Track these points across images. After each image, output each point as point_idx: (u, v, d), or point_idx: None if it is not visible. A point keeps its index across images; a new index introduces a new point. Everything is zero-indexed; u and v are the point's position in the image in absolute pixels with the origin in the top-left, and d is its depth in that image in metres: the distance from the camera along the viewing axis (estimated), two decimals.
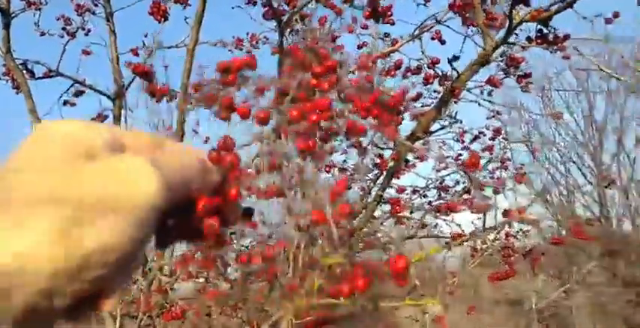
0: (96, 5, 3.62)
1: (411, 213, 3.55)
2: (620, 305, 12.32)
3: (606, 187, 10.31)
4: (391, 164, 2.55)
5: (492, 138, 4.06)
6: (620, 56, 3.62)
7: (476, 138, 4.67)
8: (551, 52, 2.06)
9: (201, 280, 5.23)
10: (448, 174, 5.22)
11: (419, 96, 2.41)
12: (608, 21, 2.30)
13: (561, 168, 16.48)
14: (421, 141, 2.90)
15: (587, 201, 15.66)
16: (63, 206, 0.25)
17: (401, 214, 2.91)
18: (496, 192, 4.34)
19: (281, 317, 3.00)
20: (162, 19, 2.57)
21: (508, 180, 4.31)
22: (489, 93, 3.77)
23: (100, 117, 3.77)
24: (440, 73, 2.34)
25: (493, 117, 4.14)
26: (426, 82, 2.27)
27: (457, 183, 5.20)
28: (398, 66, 2.18)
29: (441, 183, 5.17)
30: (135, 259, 0.29)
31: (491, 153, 5.02)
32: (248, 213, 0.45)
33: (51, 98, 3.52)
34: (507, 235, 3.87)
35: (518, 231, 4.02)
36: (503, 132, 4.17)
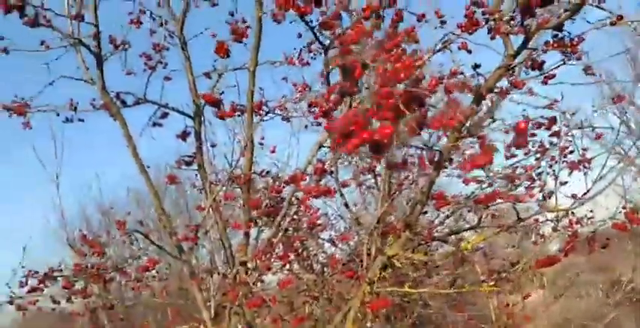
0: (172, 37, 4.16)
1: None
2: None
3: None
4: (436, 159, 2.78)
5: (548, 128, 4.09)
6: None
7: (540, 125, 4.68)
8: (565, 55, 2.18)
9: (286, 272, 5.74)
10: (517, 162, 5.27)
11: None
12: (612, 23, 2.35)
13: None
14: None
15: None
16: None
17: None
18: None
19: (353, 305, 3.35)
20: (225, 56, 2.98)
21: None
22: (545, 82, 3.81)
23: (184, 134, 4.31)
24: (460, 82, 2.52)
25: (551, 106, 4.15)
26: (447, 91, 2.45)
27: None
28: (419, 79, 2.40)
29: (512, 172, 5.22)
30: None
31: (559, 138, 5.00)
32: None
33: (140, 122, 4.08)
34: (571, 222, 3.91)
35: (583, 218, 4.03)
36: (559, 120, 4.17)
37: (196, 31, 4.20)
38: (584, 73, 4.17)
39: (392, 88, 1.28)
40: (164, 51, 3.83)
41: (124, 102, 3.91)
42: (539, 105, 3.88)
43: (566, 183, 5.17)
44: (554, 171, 5.09)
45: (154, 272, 4.47)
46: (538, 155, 5.16)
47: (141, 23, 3.72)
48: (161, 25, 4.05)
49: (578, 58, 2.44)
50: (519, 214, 2.67)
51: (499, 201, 2.73)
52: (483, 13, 2.04)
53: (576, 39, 2.22)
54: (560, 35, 2.20)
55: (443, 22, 2.30)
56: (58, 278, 3.89)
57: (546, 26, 2.05)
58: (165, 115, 4.14)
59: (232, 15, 4.05)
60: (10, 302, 3.87)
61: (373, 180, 6.20)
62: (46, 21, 3.09)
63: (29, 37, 3.27)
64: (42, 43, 3.29)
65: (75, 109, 4.05)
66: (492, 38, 2.17)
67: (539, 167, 5.21)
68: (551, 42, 2.22)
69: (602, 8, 3.06)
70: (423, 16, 2.25)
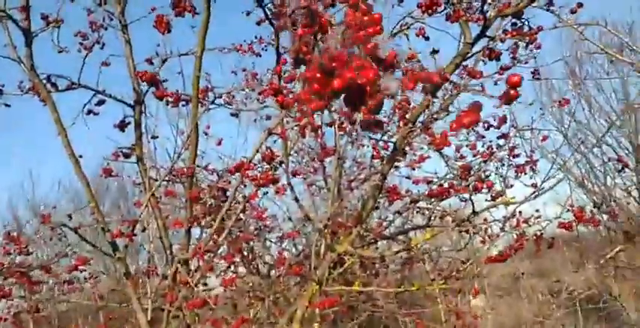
0: (111, 19, 3.87)
1: (412, 202, 3.65)
2: None
3: (619, 172, 10.04)
4: (389, 153, 2.68)
5: (498, 127, 4.12)
6: (621, 38, 3.61)
7: (489, 127, 4.72)
8: (524, 43, 2.14)
9: (231, 274, 5.50)
10: (470, 161, 5.31)
11: None
12: (573, 11, 2.35)
13: (597, 152, 16.07)
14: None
15: (626, 184, 15.24)
16: None
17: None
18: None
19: (300, 305, 3.18)
20: (166, 31, 2.76)
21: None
22: (496, 83, 3.84)
23: (123, 124, 4.02)
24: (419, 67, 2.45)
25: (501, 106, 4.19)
26: (404, 75, 2.37)
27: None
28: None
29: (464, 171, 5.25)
30: None
31: (507, 140, 5.07)
32: None
33: (75, 109, 3.77)
34: (518, 222, 3.93)
35: (530, 217, 4.07)
36: (509, 120, 4.21)
37: (140, 14, 3.94)
38: (532, 76, 4.26)
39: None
40: (102, 30, 3.53)
41: (55, 86, 3.59)
42: (491, 104, 3.90)
43: (512, 186, 5.27)
44: (501, 173, 5.17)
45: (85, 273, 4.14)
46: (486, 158, 5.24)
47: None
48: (100, 4, 3.76)
49: (538, 47, 2.42)
50: (475, 207, 2.60)
51: (452, 193, 2.66)
52: None
53: (535, 28, 2.19)
54: (518, 24, 2.16)
55: (401, 0, 2.21)
56: None
57: (505, 12, 1.99)
58: (101, 102, 3.84)
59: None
60: None
61: (323, 181, 6.10)
62: None
63: None
64: None
65: (0, 92, 3.69)
66: (452, 22, 2.10)
67: (485, 170, 5.29)
68: (510, 30, 2.18)
69: (551, 11, 3.09)
70: None
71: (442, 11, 2.10)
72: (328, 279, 3.04)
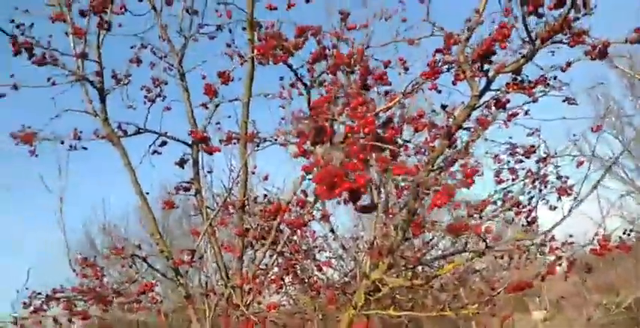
0: (171, 70, 4.41)
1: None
2: None
3: None
4: (412, 191, 2.95)
5: (527, 156, 4.26)
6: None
7: (526, 152, 4.86)
8: (528, 95, 2.38)
9: (281, 295, 5.87)
10: (508, 186, 5.45)
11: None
12: (563, 69, 2.55)
13: None
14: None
15: None
16: None
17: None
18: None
19: None
20: (214, 97, 3.20)
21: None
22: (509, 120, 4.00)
23: (182, 161, 4.52)
24: (427, 122, 2.73)
25: (532, 134, 4.34)
26: (416, 130, 2.66)
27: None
28: (390, 119, 2.61)
29: (505, 196, 5.41)
30: None
31: (545, 165, 5.18)
32: None
33: (140, 150, 4.30)
34: (551, 248, 4.05)
35: (564, 243, 4.17)
36: (539, 148, 4.36)
37: (196, 60, 4.46)
38: (566, 103, 4.38)
39: (359, 141, 1.51)
40: (163, 85, 4.06)
41: (125, 132, 4.13)
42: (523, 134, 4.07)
43: (555, 208, 5.34)
44: (544, 195, 5.27)
45: (152, 294, 4.63)
46: (527, 180, 5.35)
47: (140, 62, 3.95)
48: (161, 58, 4.30)
49: (534, 101, 2.63)
50: (487, 243, 2.83)
51: (470, 229, 2.89)
52: (444, 62, 2.24)
53: (533, 82, 2.42)
54: (518, 78, 2.40)
55: (406, 69, 2.51)
56: (61, 300, 4.06)
57: (503, 71, 2.24)
58: (164, 143, 4.36)
59: (229, 46, 4.30)
60: (15, 323, 4.04)
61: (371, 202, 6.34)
62: (52, 60, 3.34)
63: (36, 73, 3.52)
64: (48, 79, 3.53)
65: (79, 138, 4.28)
66: (454, 84, 2.37)
67: (529, 192, 5.40)
68: (511, 84, 2.42)
69: (580, 41, 3.26)
70: (389, 62, 2.48)
71: (444, 73, 2.38)
72: (365, 303, 3.31)
